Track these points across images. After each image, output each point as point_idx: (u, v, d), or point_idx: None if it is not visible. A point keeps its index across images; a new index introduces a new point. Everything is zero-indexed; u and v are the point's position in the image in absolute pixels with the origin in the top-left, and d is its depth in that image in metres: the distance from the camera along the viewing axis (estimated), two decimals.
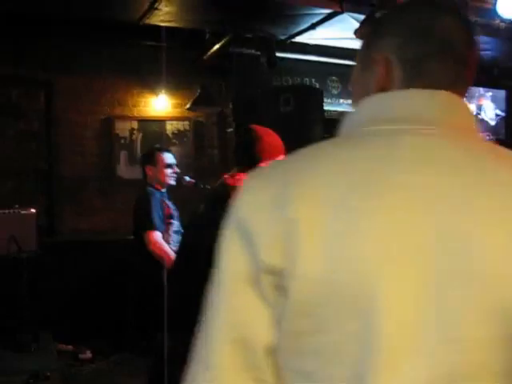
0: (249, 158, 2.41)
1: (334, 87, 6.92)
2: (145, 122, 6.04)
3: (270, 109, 5.38)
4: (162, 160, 3.89)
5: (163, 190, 3.87)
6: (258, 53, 6.02)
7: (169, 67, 5.13)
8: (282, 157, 2.49)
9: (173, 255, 3.52)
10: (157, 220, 3.57)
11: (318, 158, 0.81)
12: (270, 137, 2.50)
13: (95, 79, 5.78)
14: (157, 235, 3.54)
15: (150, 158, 3.87)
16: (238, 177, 2.41)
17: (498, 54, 6.17)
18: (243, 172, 2.41)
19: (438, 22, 0.87)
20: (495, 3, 5.04)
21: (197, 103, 5.84)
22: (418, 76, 0.87)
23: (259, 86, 6.14)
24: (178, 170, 4.03)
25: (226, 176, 2.48)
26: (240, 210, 0.80)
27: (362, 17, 4.26)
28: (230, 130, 6.33)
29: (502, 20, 5.09)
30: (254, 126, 2.50)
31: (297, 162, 0.82)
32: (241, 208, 0.81)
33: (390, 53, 0.89)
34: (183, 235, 3.35)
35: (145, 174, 3.90)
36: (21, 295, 5.16)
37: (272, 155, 2.38)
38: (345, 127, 0.89)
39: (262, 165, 2.37)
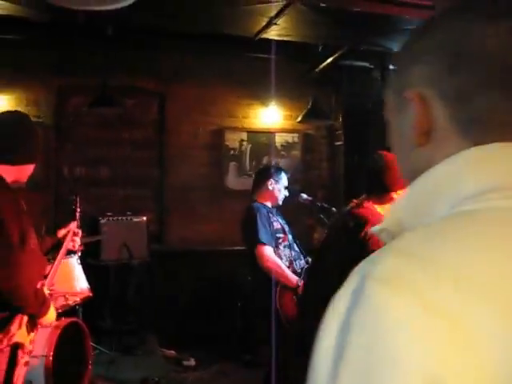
0: (379, 186, 2.28)
1: None
2: (254, 133, 6.04)
3: (381, 123, 5.20)
4: (284, 179, 3.86)
5: (270, 206, 3.81)
6: (371, 66, 5.88)
7: (280, 79, 5.11)
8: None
9: (286, 270, 3.46)
10: (264, 235, 3.51)
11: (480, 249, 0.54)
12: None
13: (207, 90, 5.86)
14: (268, 250, 3.48)
15: (275, 173, 3.83)
16: (366, 205, 2.28)
17: None
18: (372, 200, 2.29)
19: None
20: None
21: (308, 116, 5.78)
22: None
23: (371, 100, 5.98)
24: (291, 187, 3.96)
25: (353, 204, 2.34)
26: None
27: None
28: (338, 143, 6.21)
29: None
30: (386, 153, 2.30)
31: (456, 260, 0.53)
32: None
33: (424, 87, 0.67)
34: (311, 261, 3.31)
35: (260, 187, 3.84)
36: (130, 300, 5.31)
37: (400, 186, 2.25)
38: (448, 197, 0.62)
39: (393, 195, 2.24)
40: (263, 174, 3.93)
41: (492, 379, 0.47)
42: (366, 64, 5.91)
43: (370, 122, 5.61)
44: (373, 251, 0.57)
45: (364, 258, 0.57)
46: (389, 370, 0.48)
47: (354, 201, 2.33)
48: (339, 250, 2.16)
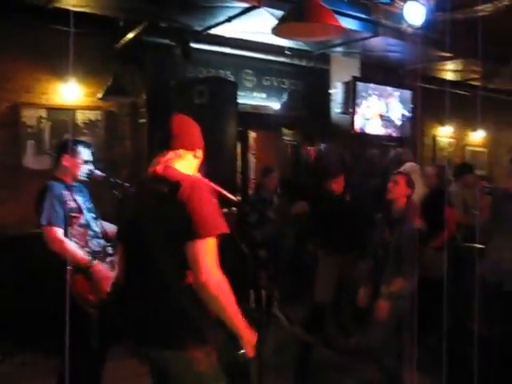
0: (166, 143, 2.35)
1: (248, 80, 6.97)
2: (54, 110, 5.78)
3: (183, 100, 5.34)
4: (83, 154, 3.74)
5: (73, 184, 3.71)
6: (173, 43, 5.95)
7: (80, 54, 4.96)
8: (200, 146, 2.46)
9: (74, 250, 3.38)
10: (48, 216, 3.41)
11: None
12: (189, 125, 2.45)
13: (1, 63, 5.48)
14: (52, 231, 3.39)
15: (73, 147, 3.69)
16: (169, 167, 2.31)
17: (404, 55, 6.45)
18: (169, 159, 2.32)
19: None
20: (403, 9, 5.27)
21: (109, 92, 5.68)
22: None
23: (173, 77, 6.07)
24: (92, 167, 3.85)
25: (155, 168, 2.33)
26: None
27: (279, 12, 4.30)
28: (142, 120, 6.21)
29: (409, 25, 5.33)
30: (177, 114, 2.43)
31: None
32: None
33: None
34: None
35: (57, 162, 3.71)
36: None
37: (191, 144, 2.37)
38: None
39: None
40: (59, 149, 3.79)
41: None
42: (168, 41, 5.97)
43: (172, 99, 5.70)
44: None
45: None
46: None
47: (156, 164, 2.31)
48: (158, 216, 2.20)
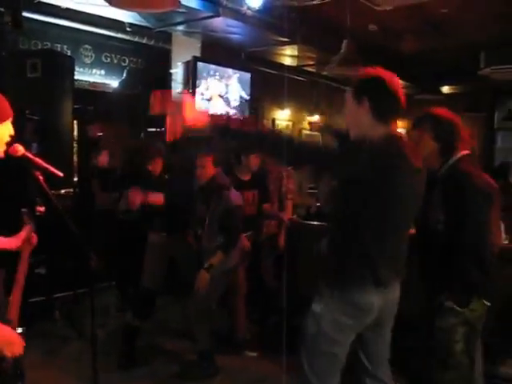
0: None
1: (86, 56, 6.70)
2: None
3: (14, 74, 5.01)
4: None
5: None
6: (1, 9, 5.53)
7: None
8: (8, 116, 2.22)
9: None
10: None
11: None
12: None
13: None
14: None
15: None
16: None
17: (245, 38, 6.59)
18: None
19: None
20: None
21: None
22: None
23: (4, 48, 5.66)
24: None
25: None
26: None
27: None
28: None
29: (249, 7, 5.46)
30: None
31: None
32: None
33: None
34: None
35: None
36: None
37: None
38: None
39: None
40: None
41: None
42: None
43: (5, 70, 5.31)
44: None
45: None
46: None
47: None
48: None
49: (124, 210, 4.57)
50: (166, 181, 4.57)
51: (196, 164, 4.29)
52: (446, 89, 10.07)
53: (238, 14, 5.59)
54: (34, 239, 2.52)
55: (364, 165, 2.21)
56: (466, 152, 3.04)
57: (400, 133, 2.49)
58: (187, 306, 4.29)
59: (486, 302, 2.99)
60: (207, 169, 4.24)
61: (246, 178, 4.96)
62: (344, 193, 2.38)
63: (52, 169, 2.27)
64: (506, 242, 4.32)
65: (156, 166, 4.56)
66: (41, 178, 2.19)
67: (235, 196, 4.32)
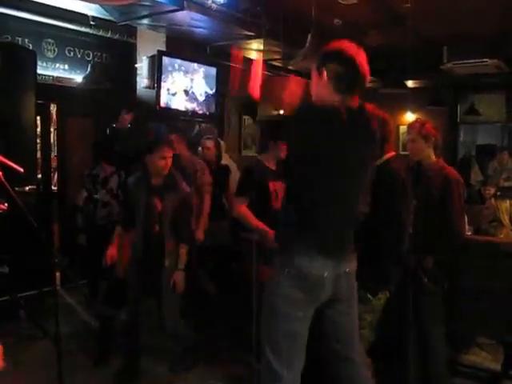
0: None
1: (49, 50, 6.57)
2: None
3: None
4: None
5: None
6: None
7: None
8: None
9: None
10: None
11: None
12: None
13: None
14: None
15: None
16: None
17: (210, 32, 6.55)
18: None
19: None
20: None
21: None
22: None
23: None
24: None
25: None
26: None
27: None
28: None
29: (214, 1, 5.42)
30: None
31: None
32: None
33: None
34: None
35: None
36: None
37: None
38: None
39: None
40: None
41: None
42: None
43: None
44: None
45: None
46: None
47: None
48: None
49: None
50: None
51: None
52: (410, 83, 10.18)
53: (202, 8, 5.55)
54: None
55: (307, 131, 2.28)
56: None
57: (362, 103, 2.49)
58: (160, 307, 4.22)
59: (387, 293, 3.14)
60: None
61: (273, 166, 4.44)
62: (291, 158, 2.45)
63: (12, 164, 2.22)
64: (470, 233, 4.42)
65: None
66: (0, 173, 2.15)
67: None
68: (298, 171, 2.39)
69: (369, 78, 2.40)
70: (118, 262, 4.28)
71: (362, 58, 2.39)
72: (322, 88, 2.41)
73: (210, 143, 5.66)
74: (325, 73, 2.39)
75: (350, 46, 2.40)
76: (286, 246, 2.42)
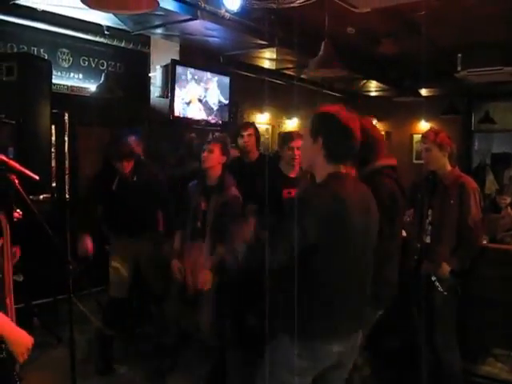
0: None
1: (64, 60, 6.64)
2: None
3: None
4: None
5: None
6: None
7: None
8: None
9: None
10: None
11: None
12: None
13: None
14: None
15: None
16: None
17: (223, 41, 6.57)
18: None
19: None
20: None
21: None
22: None
23: None
24: None
25: None
26: None
27: None
28: None
29: (227, 10, 5.44)
30: None
31: None
32: None
33: None
34: None
35: None
36: None
37: None
38: None
39: None
40: None
41: None
42: None
43: None
44: None
45: None
46: None
47: None
48: None
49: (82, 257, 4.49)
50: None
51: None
52: (424, 91, 10.14)
53: (216, 17, 5.56)
54: (18, 253, 2.49)
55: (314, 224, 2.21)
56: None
57: (350, 172, 2.48)
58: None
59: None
60: (215, 155, 4.13)
61: (292, 174, 4.53)
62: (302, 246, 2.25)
63: (27, 172, 2.24)
64: (485, 242, 4.38)
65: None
66: (16, 181, 2.16)
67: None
68: (309, 259, 2.26)
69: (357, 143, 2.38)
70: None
71: (355, 125, 2.36)
72: (315, 155, 2.39)
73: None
74: (320, 140, 2.36)
75: (344, 113, 2.36)
76: (299, 324, 2.30)
